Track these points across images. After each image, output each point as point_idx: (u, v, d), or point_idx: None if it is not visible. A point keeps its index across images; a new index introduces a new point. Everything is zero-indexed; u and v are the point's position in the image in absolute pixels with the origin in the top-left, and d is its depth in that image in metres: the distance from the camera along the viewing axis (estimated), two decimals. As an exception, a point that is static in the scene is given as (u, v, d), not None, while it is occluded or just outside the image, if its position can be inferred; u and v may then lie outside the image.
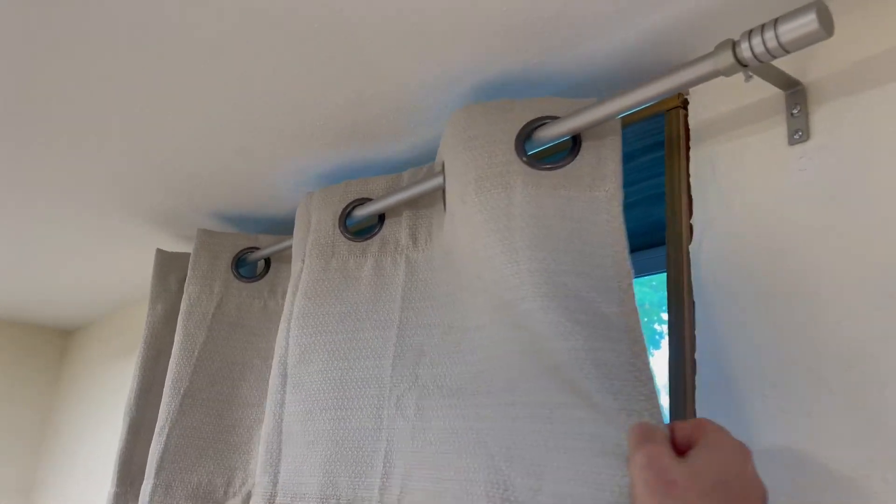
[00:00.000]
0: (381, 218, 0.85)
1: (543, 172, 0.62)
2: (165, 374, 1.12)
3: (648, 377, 0.52)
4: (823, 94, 0.56)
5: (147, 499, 0.96)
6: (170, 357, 1.11)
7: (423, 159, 0.88)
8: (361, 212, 0.85)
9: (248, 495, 0.95)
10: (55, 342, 2.53)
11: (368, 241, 0.84)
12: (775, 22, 0.48)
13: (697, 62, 0.54)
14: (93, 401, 2.12)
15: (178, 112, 0.81)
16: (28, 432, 2.39)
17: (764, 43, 0.49)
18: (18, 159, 0.97)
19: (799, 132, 0.57)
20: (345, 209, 0.86)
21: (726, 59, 0.51)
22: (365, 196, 0.86)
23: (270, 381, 0.85)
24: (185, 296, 1.06)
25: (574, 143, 0.63)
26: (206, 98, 0.77)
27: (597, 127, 0.61)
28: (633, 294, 0.56)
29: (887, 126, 0.52)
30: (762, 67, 0.53)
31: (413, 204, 0.82)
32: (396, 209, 0.83)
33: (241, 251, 1.08)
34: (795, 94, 0.57)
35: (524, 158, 0.63)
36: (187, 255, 1.20)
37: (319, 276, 0.84)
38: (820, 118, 0.56)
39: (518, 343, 0.60)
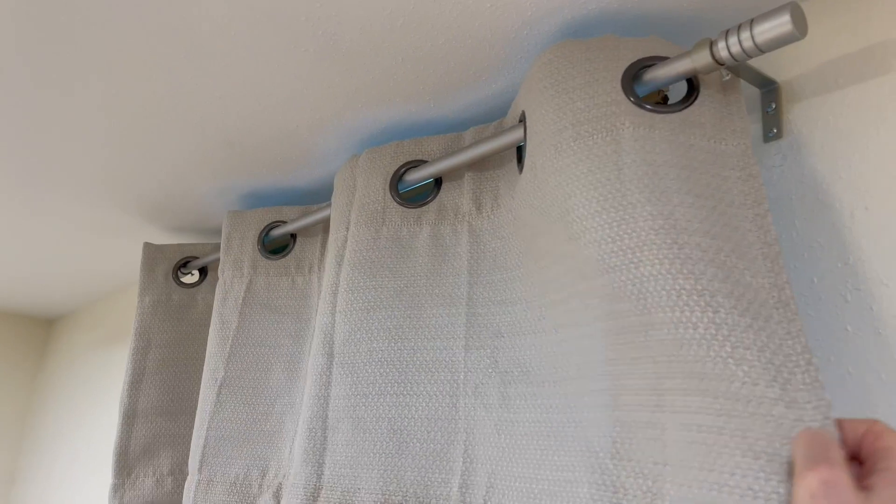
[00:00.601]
0: (438, 182, 0.77)
1: (657, 115, 0.53)
2: (156, 364, 1.14)
3: (808, 362, 0.43)
4: (797, 92, 0.57)
5: (192, 495, 0.90)
6: (160, 347, 1.15)
7: (484, 119, 0.79)
8: (415, 175, 0.76)
9: (280, 488, 0.87)
10: (38, 331, 2.43)
11: (424, 208, 0.76)
12: (751, 22, 0.48)
13: (676, 60, 0.53)
14: (76, 389, 2.04)
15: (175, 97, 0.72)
16: (10, 421, 2.30)
17: (740, 42, 0.49)
18: (3, 148, 0.87)
19: (774, 129, 0.57)
20: (396, 171, 0.77)
21: (704, 57, 0.51)
22: (419, 158, 0.77)
23: (312, 361, 0.77)
24: (219, 282, 1.00)
25: (690, 90, 0.55)
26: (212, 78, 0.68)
27: (712, 75, 0.54)
28: (783, 264, 0.47)
29: (858, 124, 0.53)
30: (738, 66, 0.52)
31: (476, 166, 0.74)
32: (457, 172, 0.75)
33: (267, 227, 1.00)
34: (770, 92, 0.58)
35: (632, 99, 0.54)
36: (173, 246, 1.21)
37: (369, 246, 0.76)
38: (794, 116, 0.56)
39: (622, 317, 0.51)
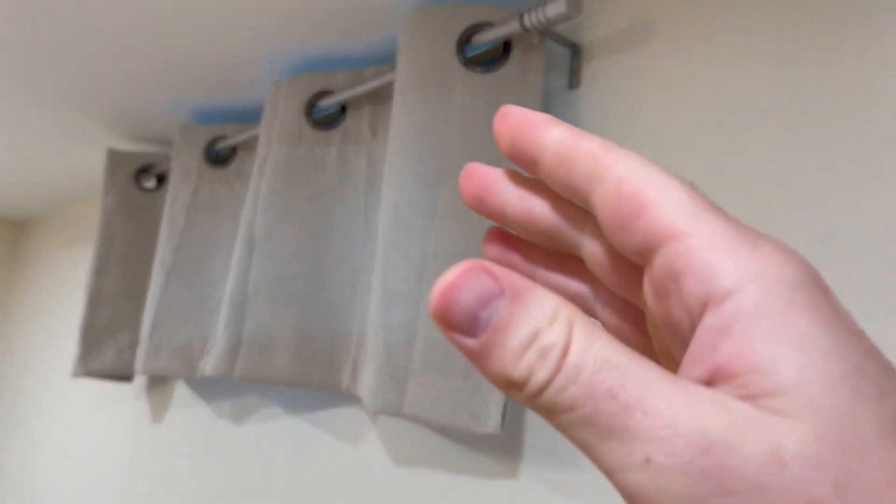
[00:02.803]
0: (343, 110, 0.94)
1: (478, 75, 0.72)
2: (120, 255, 1.33)
3: None
4: (593, 52, 0.74)
5: (143, 358, 1.10)
6: (122, 242, 1.33)
7: (383, 59, 0.96)
8: (325, 102, 0.94)
9: (216, 354, 1.08)
10: (9, 232, 2.58)
11: (332, 132, 0.94)
12: (545, 2, 0.66)
13: (496, 27, 0.71)
14: (48, 285, 2.21)
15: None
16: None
17: (538, 17, 0.67)
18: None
19: (574, 80, 0.75)
20: (310, 99, 0.95)
21: (515, 27, 0.69)
22: (329, 88, 0.95)
23: (236, 250, 0.96)
24: (169, 185, 1.18)
25: (505, 50, 0.73)
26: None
27: (525, 38, 0.72)
28: None
29: (633, 79, 0.70)
30: (546, 31, 0.70)
31: (374, 98, 0.91)
32: (358, 102, 0.93)
33: (211, 140, 1.17)
34: (575, 52, 0.76)
35: (461, 59, 0.73)
36: (135, 154, 1.37)
37: (287, 160, 0.94)
38: (588, 72, 0.74)
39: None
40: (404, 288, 0.71)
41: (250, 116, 1.24)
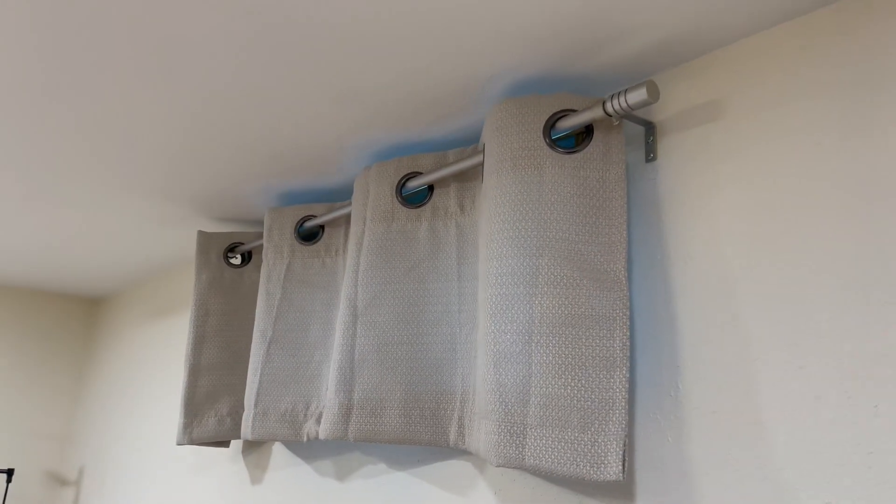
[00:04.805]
0: (430, 189, 1.04)
1: (566, 155, 0.82)
2: (215, 328, 1.43)
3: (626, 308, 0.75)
4: (666, 128, 0.84)
5: (250, 423, 1.19)
6: (217, 315, 1.43)
7: (463, 143, 1.07)
8: (415, 182, 1.04)
9: (321, 415, 1.17)
10: (85, 309, 2.73)
11: (422, 208, 1.04)
12: (625, 91, 0.76)
13: (580, 113, 0.81)
14: (120, 360, 2.33)
15: (233, 102, 1.00)
16: (66, 388, 2.61)
17: (619, 103, 0.77)
18: (59, 144, 1.15)
19: (651, 154, 0.84)
20: (400, 180, 1.05)
21: (598, 112, 0.79)
22: (416, 170, 1.05)
23: (340, 321, 1.06)
24: (263, 263, 1.29)
25: (588, 131, 0.83)
26: (265, 91, 0.96)
27: (606, 121, 0.81)
28: (625, 253, 0.78)
29: (708, 153, 0.79)
30: (624, 114, 0.80)
31: (459, 177, 1.01)
32: (445, 181, 1.03)
33: (301, 219, 1.28)
34: (650, 129, 0.85)
35: (548, 142, 0.82)
36: (223, 234, 1.49)
37: (383, 237, 1.04)
38: (664, 146, 0.83)
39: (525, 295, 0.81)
40: (515, 350, 0.79)
41: (331, 196, 1.35)
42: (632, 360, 0.81)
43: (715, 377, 0.72)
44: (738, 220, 0.74)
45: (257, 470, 1.47)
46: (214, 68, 0.88)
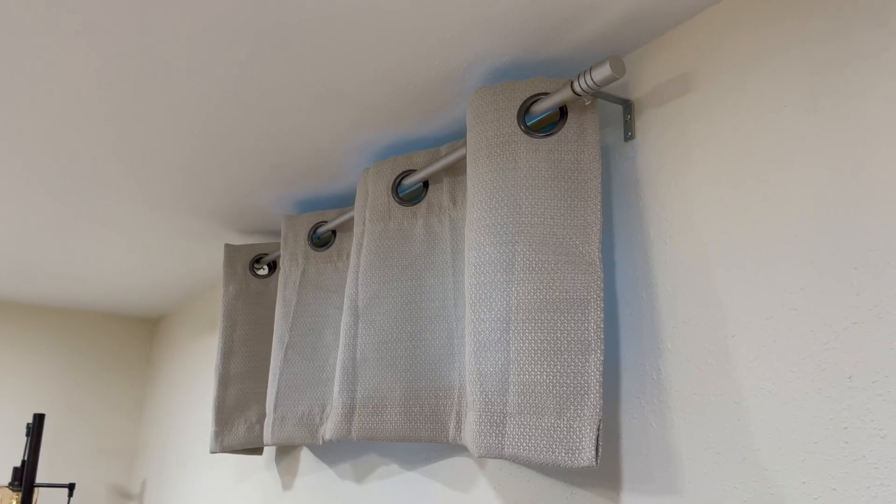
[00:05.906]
0: (426, 185, 1.04)
1: (540, 139, 0.80)
2: (243, 338, 1.46)
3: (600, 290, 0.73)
4: (643, 106, 0.81)
5: (270, 429, 1.22)
6: (244, 325, 1.46)
7: (457, 137, 1.06)
8: (409, 180, 1.04)
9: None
10: (145, 329, 2.86)
11: (417, 206, 1.04)
12: (590, 69, 0.74)
13: (551, 96, 0.79)
14: (178, 375, 2.42)
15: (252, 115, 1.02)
16: (129, 405, 2.73)
17: (586, 81, 0.74)
18: (98, 174, 1.21)
19: (629, 133, 0.81)
20: (395, 179, 1.06)
21: (567, 93, 0.77)
22: (410, 168, 1.05)
23: (343, 322, 1.06)
24: (280, 270, 1.32)
25: (562, 114, 0.81)
26: (276, 103, 0.98)
27: (578, 101, 0.79)
28: (599, 234, 0.76)
29: (683, 128, 0.76)
30: (596, 93, 0.77)
31: (451, 171, 1.01)
32: (438, 176, 1.03)
33: (314, 226, 1.30)
34: (627, 107, 0.82)
35: (523, 128, 0.81)
36: (248, 245, 1.52)
37: (380, 236, 1.05)
38: (641, 124, 0.80)
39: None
40: (493, 339, 0.78)
41: (345, 201, 1.37)
42: (615, 343, 0.78)
43: (695, 357, 0.69)
44: (712, 194, 0.71)
45: (288, 476, 1.49)
46: (212, 80, 0.91)
